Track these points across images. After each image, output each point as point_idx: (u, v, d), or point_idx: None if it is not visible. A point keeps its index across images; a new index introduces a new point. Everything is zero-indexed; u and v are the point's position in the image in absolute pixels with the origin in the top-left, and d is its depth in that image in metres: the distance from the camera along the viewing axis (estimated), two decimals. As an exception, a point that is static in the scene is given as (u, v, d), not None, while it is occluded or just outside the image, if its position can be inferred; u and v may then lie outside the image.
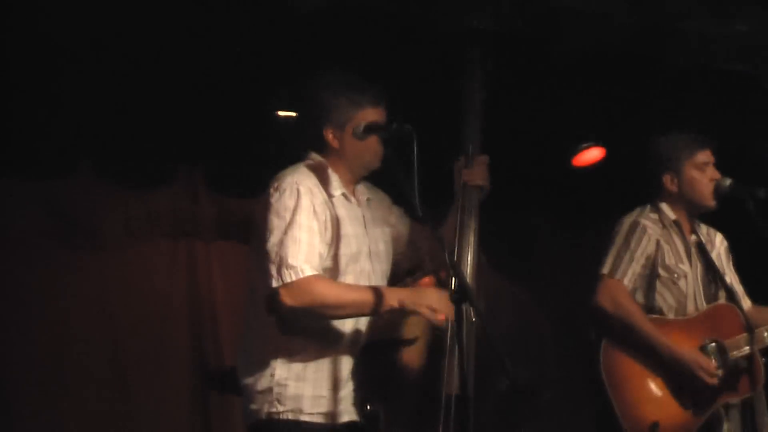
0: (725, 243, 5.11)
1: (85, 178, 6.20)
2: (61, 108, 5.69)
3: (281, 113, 6.07)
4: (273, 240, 3.99)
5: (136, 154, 6.15)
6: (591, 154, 7.25)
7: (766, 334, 4.77)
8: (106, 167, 6.21)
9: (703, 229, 5.06)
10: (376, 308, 3.99)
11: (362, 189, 4.33)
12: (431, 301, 3.95)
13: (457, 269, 3.83)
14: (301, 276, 3.94)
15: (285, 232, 3.98)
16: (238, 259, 6.25)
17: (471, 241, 4.18)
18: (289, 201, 4.03)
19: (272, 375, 4.06)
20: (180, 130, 6.08)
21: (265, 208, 4.07)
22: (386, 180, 4.20)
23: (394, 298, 3.99)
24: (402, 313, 4.00)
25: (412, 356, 4.08)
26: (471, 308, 3.83)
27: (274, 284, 3.94)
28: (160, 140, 6.12)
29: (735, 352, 4.73)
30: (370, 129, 4.10)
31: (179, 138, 6.15)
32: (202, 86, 5.75)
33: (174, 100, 5.83)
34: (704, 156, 4.91)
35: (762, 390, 5.23)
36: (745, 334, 4.74)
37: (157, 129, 6.02)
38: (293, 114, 5.93)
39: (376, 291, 4.02)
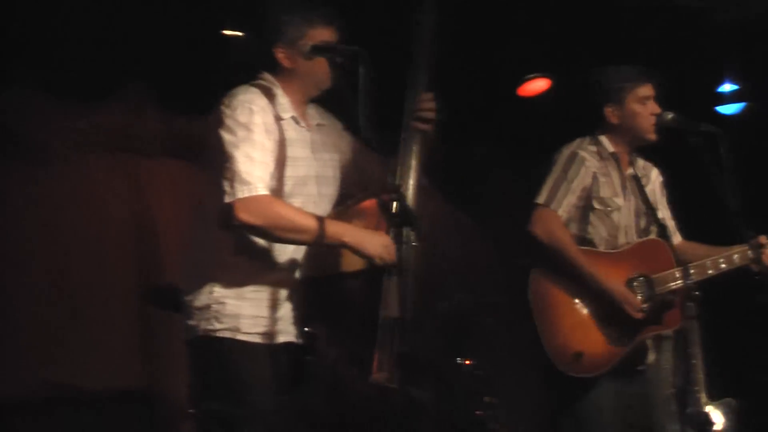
0: (660, 178, 5.15)
1: (31, 90, 6.13)
2: (7, 19, 5.61)
3: (228, 32, 6.02)
4: (225, 156, 3.97)
5: (83, 67, 6.07)
6: (536, 85, 7.30)
7: (692, 270, 4.78)
8: (52, 80, 6.12)
9: (640, 162, 5.09)
10: (328, 241, 3.99)
11: (313, 113, 4.32)
12: (380, 249, 3.97)
13: (399, 192, 3.85)
14: (255, 193, 3.93)
15: (238, 148, 3.97)
16: (183, 176, 6.24)
17: (413, 165, 4.18)
18: (241, 117, 4.02)
19: (211, 292, 4.07)
20: (129, 45, 6.00)
21: (217, 124, 4.04)
22: (338, 104, 4.20)
23: (348, 235, 4.00)
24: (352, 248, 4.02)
25: (353, 277, 4.12)
26: (413, 232, 3.86)
27: (227, 199, 3.93)
28: (108, 55, 6.04)
29: (662, 287, 4.78)
30: (319, 49, 4.09)
31: (127, 53, 6.08)
32: (156, 1, 5.69)
33: (125, 14, 5.76)
34: (646, 89, 4.92)
35: (695, 322, 5.32)
36: (672, 270, 4.78)
37: (105, 43, 5.95)
38: (240, 33, 5.90)
39: (331, 224, 4.02)
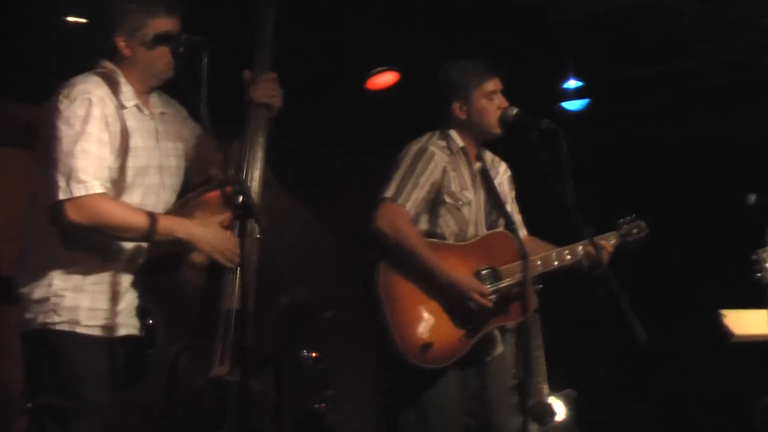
0: (509, 172, 5.19)
1: None
2: None
3: (70, 18, 5.90)
4: (62, 149, 3.91)
5: None
6: (384, 78, 7.32)
7: (539, 262, 4.87)
8: None
9: (489, 156, 5.13)
10: (160, 237, 3.98)
11: (156, 101, 4.26)
12: (221, 246, 3.97)
13: (243, 184, 3.82)
14: (90, 192, 3.88)
15: (75, 143, 3.91)
16: (18, 165, 6.07)
17: (258, 157, 4.16)
18: (79, 110, 3.95)
19: (50, 285, 4.00)
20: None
21: (53, 115, 3.97)
22: (182, 92, 4.14)
23: (185, 231, 3.99)
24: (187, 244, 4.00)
25: (193, 270, 4.07)
26: (255, 224, 3.84)
27: (61, 196, 3.88)
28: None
29: (508, 279, 4.82)
30: (160, 39, 4.04)
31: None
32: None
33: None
34: (493, 84, 4.95)
35: (536, 314, 5.40)
36: (519, 262, 4.83)
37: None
38: (83, 20, 5.78)
39: (164, 220, 4.00)
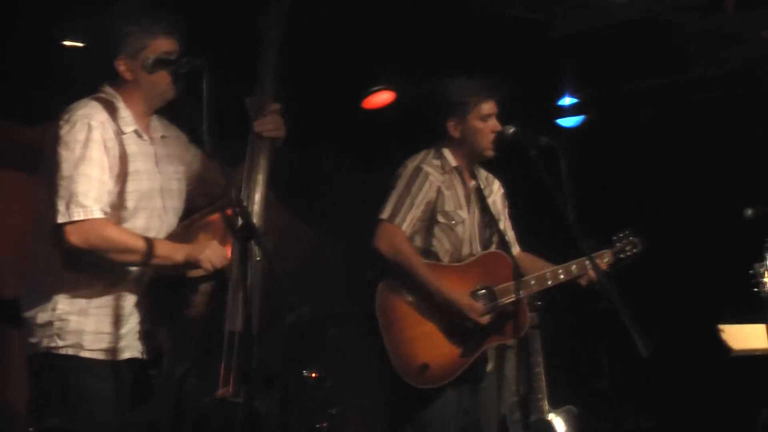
0: (502, 190, 5.22)
1: None
2: None
3: (67, 43, 5.91)
4: (62, 174, 3.93)
5: None
6: (381, 97, 7.34)
7: (533, 282, 4.91)
8: None
9: (483, 174, 5.16)
10: (159, 261, 4.01)
11: (157, 125, 4.27)
12: (208, 255, 3.99)
13: (243, 207, 3.84)
14: (90, 217, 3.90)
15: (75, 167, 3.93)
16: (18, 187, 6.09)
17: (259, 179, 4.17)
18: (80, 134, 3.97)
19: (54, 309, 4.00)
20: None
21: (54, 139, 3.99)
22: (183, 115, 4.15)
23: (180, 253, 4.01)
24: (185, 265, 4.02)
25: (198, 293, 4.08)
26: (257, 246, 3.85)
27: (61, 220, 3.90)
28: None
29: (504, 298, 4.85)
30: (160, 63, 4.05)
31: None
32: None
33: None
34: (489, 107, 4.97)
35: (536, 331, 5.41)
36: (514, 281, 4.86)
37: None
38: (80, 44, 5.80)
39: (163, 244, 4.03)
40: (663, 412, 7.57)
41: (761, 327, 5.47)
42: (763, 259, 5.49)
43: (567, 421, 6.41)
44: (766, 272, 5.45)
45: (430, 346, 4.74)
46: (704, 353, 6.37)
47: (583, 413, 6.42)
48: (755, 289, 5.46)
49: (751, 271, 5.48)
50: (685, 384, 7.58)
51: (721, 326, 5.69)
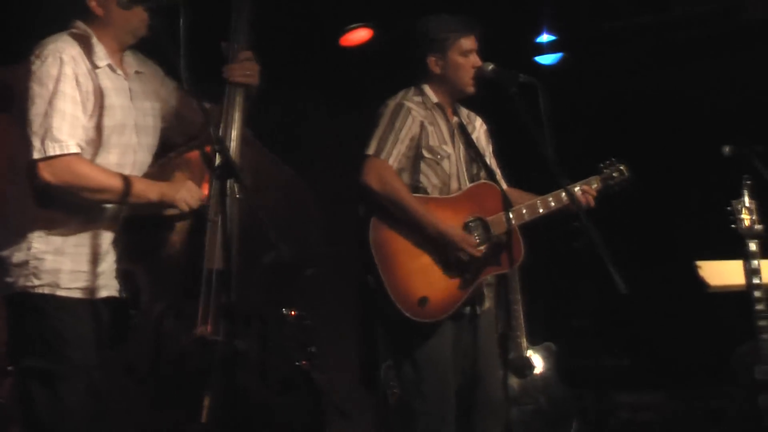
0: (485, 126, 5.21)
1: None
2: None
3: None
4: (36, 110, 3.90)
5: None
6: (359, 35, 7.30)
7: (524, 210, 4.90)
8: None
9: (464, 112, 5.14)
10: (134, 200, 4.00)
11: (131, 61, 4.24)
12: (183, 195, 3.99)
13: (221, 144, 3.82)
14: (66, 152, 3.88)
15: (49, 102, 3.90)
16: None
17: (236, 116, 4.17)
18: (51, 69, 3.94)
19: (29, 248, 3.99)
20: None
21: (26, 76, 3.95)
22: (159, 51, 4.12)
23: (155, 192, 4.01)
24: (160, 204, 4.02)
25: (174, 232, 4.07)
26: (236, 184, 3.84)
27: (36, 155, 3.87)
28: None
29: (497, 229, 4.86)
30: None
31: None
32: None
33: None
34: (469, 42, 4.95)
35: (516, 269, 5.42)
36: (505, 211, 4.84)
37: None
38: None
39: (136, 183, 4.01)
40: (640, 349, 7.62)
41: (738, 263, 5.50)
42: (740, 195, 5.52)
43: (545, 357, 6.47)
44: (743, 209, 5.48)
45: (427, 279, 4.73)
46: (681, 290, 6.42)
47: (561, 350, 6.49)
48: (732, 226, 5.49)
49: (728, 208, 5.51)
50: (662, 321, 7.63)
51: (699, 263, 5.72)
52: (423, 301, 4.69)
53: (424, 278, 4.73)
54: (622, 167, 5.17)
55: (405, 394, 4.86)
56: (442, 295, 4.74)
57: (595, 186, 5.07)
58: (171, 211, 4.05)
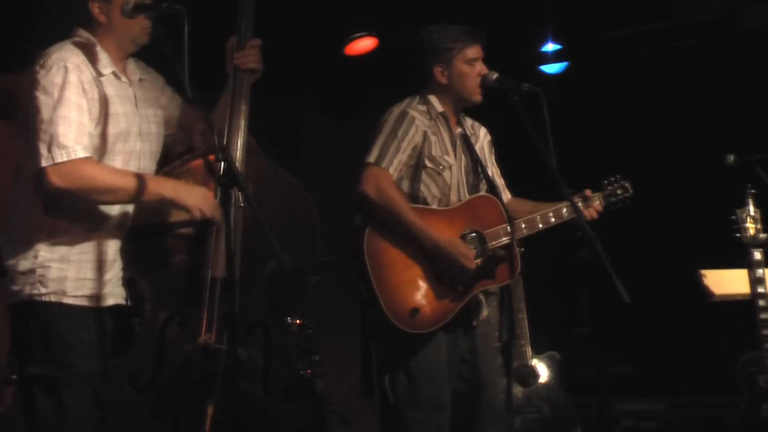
0: (488, 136, 5.20)
1: None
2: None
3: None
4: (42, 117, 3.90)
5: None
6: (363, 44, 7.31)
7: (523, 225, 4.88)
8: None
9: (468, 122, 5.13)
10: (147, 197, 3.97)
11: (134, 68, 4.25)
12: (199, 201, 3.97)
13: (225, 153, 3.82)
14: (73, 157, 3.88)
15: (54, 110, 3.90)
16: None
17: (241, 124, 4.17)
18: (56, 78, 3.94)
19: (35, 256, 3.99)
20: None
21: (31, 84, 3.96)
22: (161, 60, 4.13)
23: (169, 188, 4.00)
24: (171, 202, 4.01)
25: (179, 240, 4.08)
26: (239, 193, 3.84)
27: (44, 163, 3.87)
28: None
29: (493, 242, 4.83)
30: (139, 8, 4.00)
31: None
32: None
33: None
34: (474, 51, 4.95)
35: (519, 277, 5.41)
36: (503, 225, 4.84)
37: None
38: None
39: (149, 179, 4.01)
40: (643, 358, 7.62)
41: (742, 272, 5.51)
42: (744, 204, 5.52)
43: (549, 366, 6.47)
44: (747, 218, 5.49)
45: (420, 290, 4.72)
46: (686, 299, 6.41)
47: (564, 359, 6.49)
48: (737, 235, 5.49)
49: (732, 217, 5.51)
50: (665, 330, 7.62)
51: (703, 271, 5.72)
52: (414, 312, 4.67)
53: (416, 289, 4.72)
54: (626, 184, 5.15)
55: (399, 402, 4.84)
56: (433, 307, 4.73)
57: (597, 203, 5.04)
58: (178, 216, 4.05)
